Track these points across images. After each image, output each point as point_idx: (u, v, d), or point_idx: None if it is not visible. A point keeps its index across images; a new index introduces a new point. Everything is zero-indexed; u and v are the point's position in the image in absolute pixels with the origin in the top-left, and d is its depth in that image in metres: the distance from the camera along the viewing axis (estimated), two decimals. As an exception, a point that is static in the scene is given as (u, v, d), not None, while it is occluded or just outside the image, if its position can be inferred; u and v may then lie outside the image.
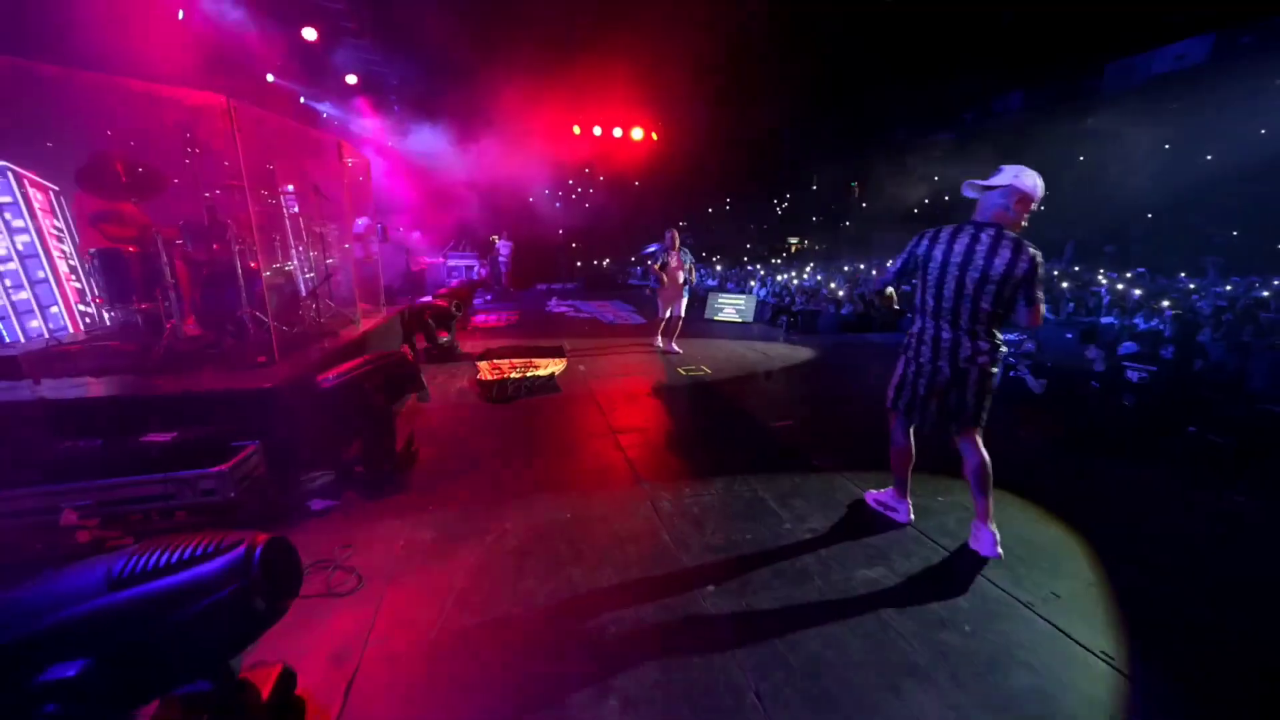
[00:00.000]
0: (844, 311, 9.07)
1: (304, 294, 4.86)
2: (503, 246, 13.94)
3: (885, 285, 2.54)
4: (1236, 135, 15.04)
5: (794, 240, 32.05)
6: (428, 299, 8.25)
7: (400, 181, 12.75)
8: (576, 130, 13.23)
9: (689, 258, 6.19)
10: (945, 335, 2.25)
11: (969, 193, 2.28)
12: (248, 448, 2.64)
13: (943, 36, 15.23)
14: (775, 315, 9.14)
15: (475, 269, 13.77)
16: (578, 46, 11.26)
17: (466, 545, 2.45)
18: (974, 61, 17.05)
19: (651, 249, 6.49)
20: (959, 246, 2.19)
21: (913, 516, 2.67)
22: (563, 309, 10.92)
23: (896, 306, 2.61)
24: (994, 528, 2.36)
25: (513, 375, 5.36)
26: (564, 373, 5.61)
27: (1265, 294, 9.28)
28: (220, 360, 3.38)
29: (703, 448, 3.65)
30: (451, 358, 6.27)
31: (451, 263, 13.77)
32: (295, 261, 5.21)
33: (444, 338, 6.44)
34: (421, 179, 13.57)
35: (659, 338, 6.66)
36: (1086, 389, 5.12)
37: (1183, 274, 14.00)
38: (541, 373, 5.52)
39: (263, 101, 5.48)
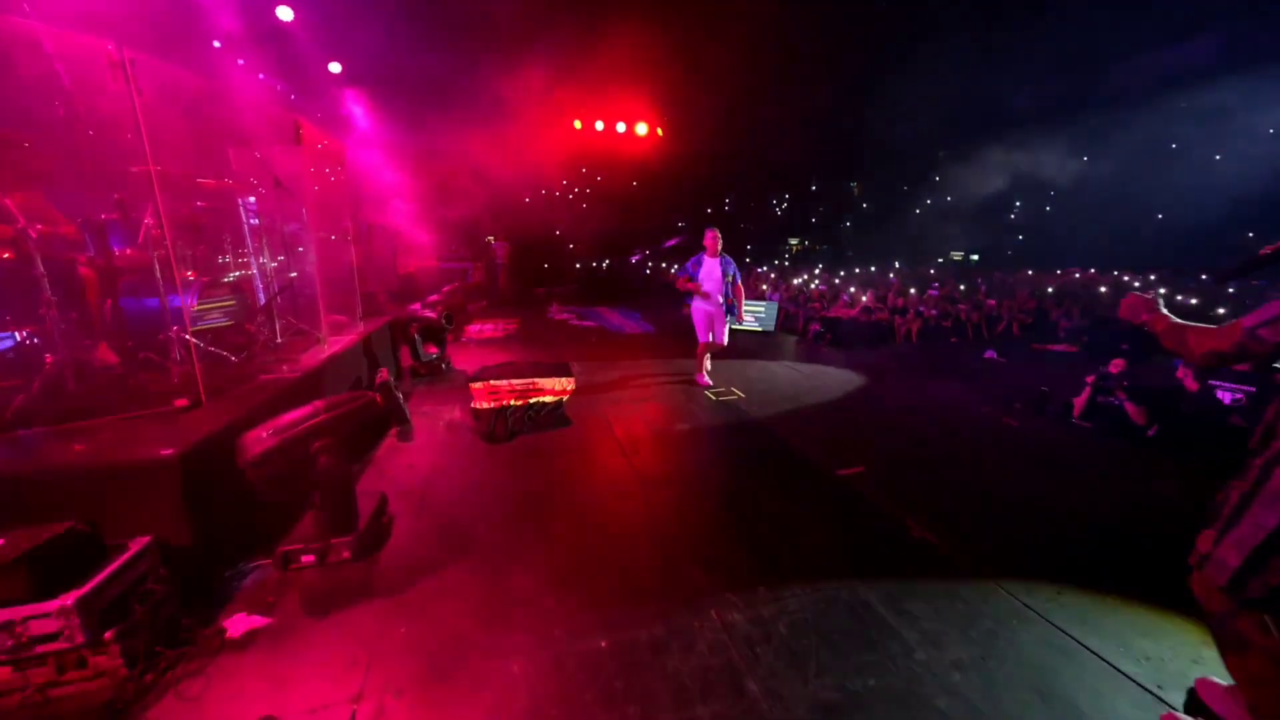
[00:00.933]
0: (857, 321, 8.27)
1: (260, 308, 3.98)
2: (498, 249, 13.08)
3: None
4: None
5: (794, 241, 31.47)
6: (416, 306, 7.38)
7: (388, 177, 11.87)
8: (577, 125, 12.39)
9: (732, 268, 5.02)
10: None
11: None
12: (129, 549, 1.78)
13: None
14: (805, 325, 8.34)
15: (469, 272, 12.89)
16: (579, 34, 10.44)
17: (457, 711, 1.61)
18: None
19: (689, 265, 5.12)
20: None
21: None
22: (564, 316, 10.08)
23: None
24: None
25: (513, 403, 4.51)
26: (573, 397, 4.77)
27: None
28: (127, 403, 2.51)
29: (760, 513, 2.81)
30: (441, 378, 5.41)
31: (443, 266, 12.91)
32: (255, 269, 4.33)
33: (433, 354, 5.58)
34: (412, 176, 12.69)
35: (704, 376, 5.28)
36: (1195, 419, 4.33)
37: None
38: (548, 399, 4.68)
39: (206, 72, 4.60)
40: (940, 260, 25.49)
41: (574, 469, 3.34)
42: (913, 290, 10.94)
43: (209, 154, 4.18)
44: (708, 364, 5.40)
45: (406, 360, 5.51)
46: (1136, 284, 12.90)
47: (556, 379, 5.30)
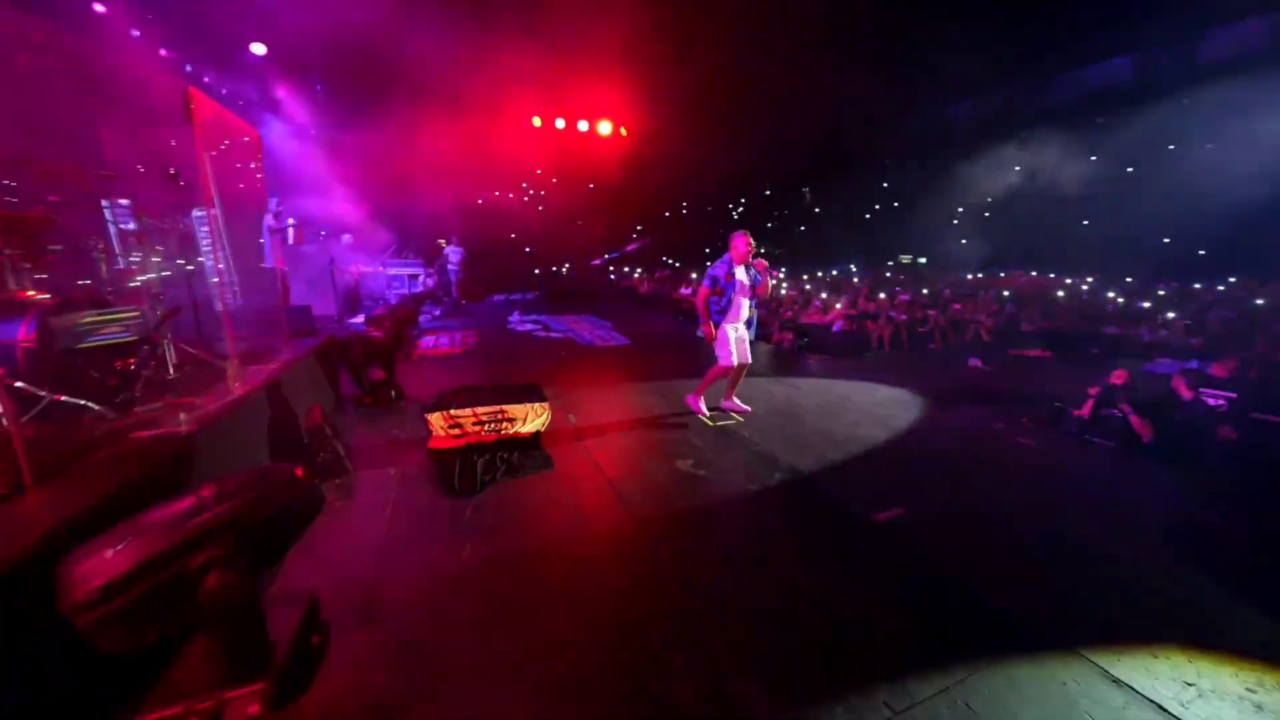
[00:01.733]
0: (835, 328, 8.05)
1: (146, 338, 3.07)
2: (452, 253, 12.11)
3: None
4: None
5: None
6: (359, 321, 6.47)
7: (325, 172, 10.67)
8: (537, 122, 11.66)
9: (758, 276, 4.23)
10: None
11: None
12: None
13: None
14: (780, 332, 8.00)
15: (421, 279, 11.85)
16: (542, 24, 9.74)
17: None
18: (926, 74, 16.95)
19: (717, 270, 4.18)
20: None
21: None
22: (528, 326, 9.31)
23: None
24: None
25: (480, 438, 3.79)
26: (549, 427, 4.11)
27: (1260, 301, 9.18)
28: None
29: (801, 585, 2.28)
30: (391, 408, 4.60)
31: (391, 272, 11.79)
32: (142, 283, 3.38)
33: (380, 379, 4.75)
34: (354, 172, 11.52)
35: (700, 400, 4.51)
36: (1187, 426, 4.20)
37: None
38: (522, 429, 3.99)
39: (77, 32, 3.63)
40: (891, 263, 26.34)
41: (566, 531, 2.69)
42: (882, 295, 10.93)
43: (74, 135, 3.23)
44: (746, 406, 4.73)
45: (348, 388, 4.66)
46: (1084, 286, 13.56)
47: (528, 405, 4.60)
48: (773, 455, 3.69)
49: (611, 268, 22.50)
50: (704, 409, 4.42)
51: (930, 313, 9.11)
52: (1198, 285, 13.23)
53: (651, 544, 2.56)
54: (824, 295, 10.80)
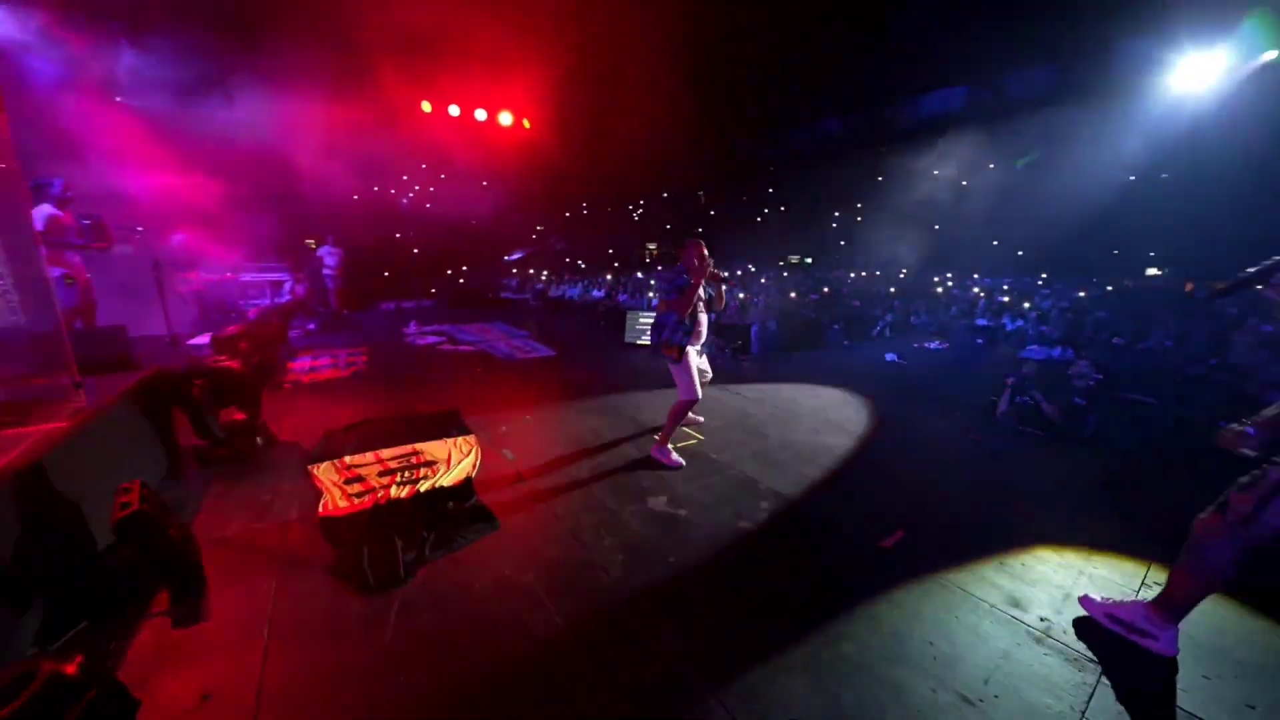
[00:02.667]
0: (772, 327, 8.13)
1: None
2: (328, 255, 10.29)
3: None
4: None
5: (652, 246, 32.37)
6: (202, 343, 5.06)
7: (151, 156, 8.38)
8: (426, 107, 10.31)
9: (711, 291, 3.63)
10: None
11: None
12: None
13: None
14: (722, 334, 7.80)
15: (288, 287, 9.89)
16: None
17: None
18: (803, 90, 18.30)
19: (672, 282, 3.44)
20: None
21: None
22: (430, 339, 8.11)
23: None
24: None
25: (394, 493, 2.91)
26: (482, 469, 3.34)
27: (1081, 293, 11.04)
28: None
29: (854, 659, 1.89)
30: (256, 461, 3.44)
31: (247, 278, 9.71)
32: None
33: (237, 421, 3.56)
34: (197, 158, 9.25)
35: (669, 450, 3.55)
36: (1082, 409, 4.65)
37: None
38: (446, 477, 3.16)
39: None
40: (781, 263, 28.21)
41: (542, 632, 2.00)
42: (793, 294, 11.39)
43: None
44: (700, 417, 4.35)
45: (188, 438, 3.41)
46: (949, 282, 15.35)
47: (450, 442, 3.77)
48: (750, 480, 3.31)
49: (515, 270, 21.21)
50: (676, 458, 3.49)
51: (836, 310, 9.59)
52: (1041, 279, 15.63)
53: (663, 636, 1.99)
54: (741, 295, 10.94)
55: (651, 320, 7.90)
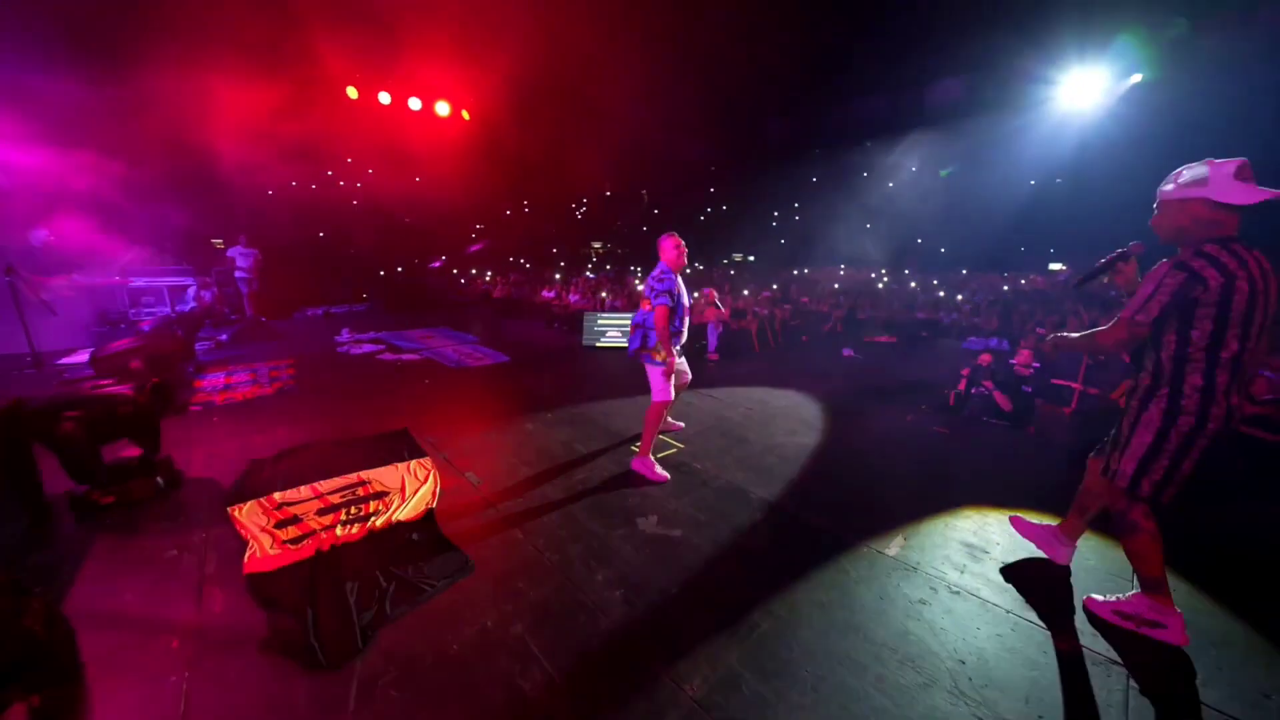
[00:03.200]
0: (712, 329, 8.09)
1: None
2: (240, 256, 9.15)
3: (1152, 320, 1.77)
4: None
5: (597, 245, 32.12)
6: (80, 362, 4.33)
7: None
8: (353, 94, 9.41)
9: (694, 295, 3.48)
10: (1233, 384, 1.75)
11: (1251, 197, 1.62)
12: None
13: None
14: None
15: (192, 292, 8.69)
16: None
17: None
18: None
19: (668, 282, 3.16)
20: (1255, 270, 1.66)
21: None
22: (367, 347, 7.37)
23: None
24: None
25: (341, 536, 2.46)
26: (443, 497, 2.94)
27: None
28: None
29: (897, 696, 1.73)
30: (157, 507, 2.83)
31: (140, 284, 8.44)
32: None
33: (130, 459, 2.92)
34: (75, 146, 7.86)
35: (652, 462, 3.33)
36: (1029, 398, 4.91)
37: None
38: (403, 510, 2.74)
39: None
40: (725, 261, 28.77)
41: (546, 705, 1.70)
42: (745, 292, 11.48)
43: None
44: (679, 423, 4.13)
45: (63, 482, 2.74)
46: (885, 278, 16.17)
47: (403, 467, 3.34)
48: (739, 489, 3.13)
49: (455, 270, 20.13)
50: (661, 471, 3.27)
51: (786, 307, 9.76)
52: (962, 274, 16.75)
53: (684, 689, 1.74)
54: (696, 294, 10.88)
55: (614, 320, 7.66)
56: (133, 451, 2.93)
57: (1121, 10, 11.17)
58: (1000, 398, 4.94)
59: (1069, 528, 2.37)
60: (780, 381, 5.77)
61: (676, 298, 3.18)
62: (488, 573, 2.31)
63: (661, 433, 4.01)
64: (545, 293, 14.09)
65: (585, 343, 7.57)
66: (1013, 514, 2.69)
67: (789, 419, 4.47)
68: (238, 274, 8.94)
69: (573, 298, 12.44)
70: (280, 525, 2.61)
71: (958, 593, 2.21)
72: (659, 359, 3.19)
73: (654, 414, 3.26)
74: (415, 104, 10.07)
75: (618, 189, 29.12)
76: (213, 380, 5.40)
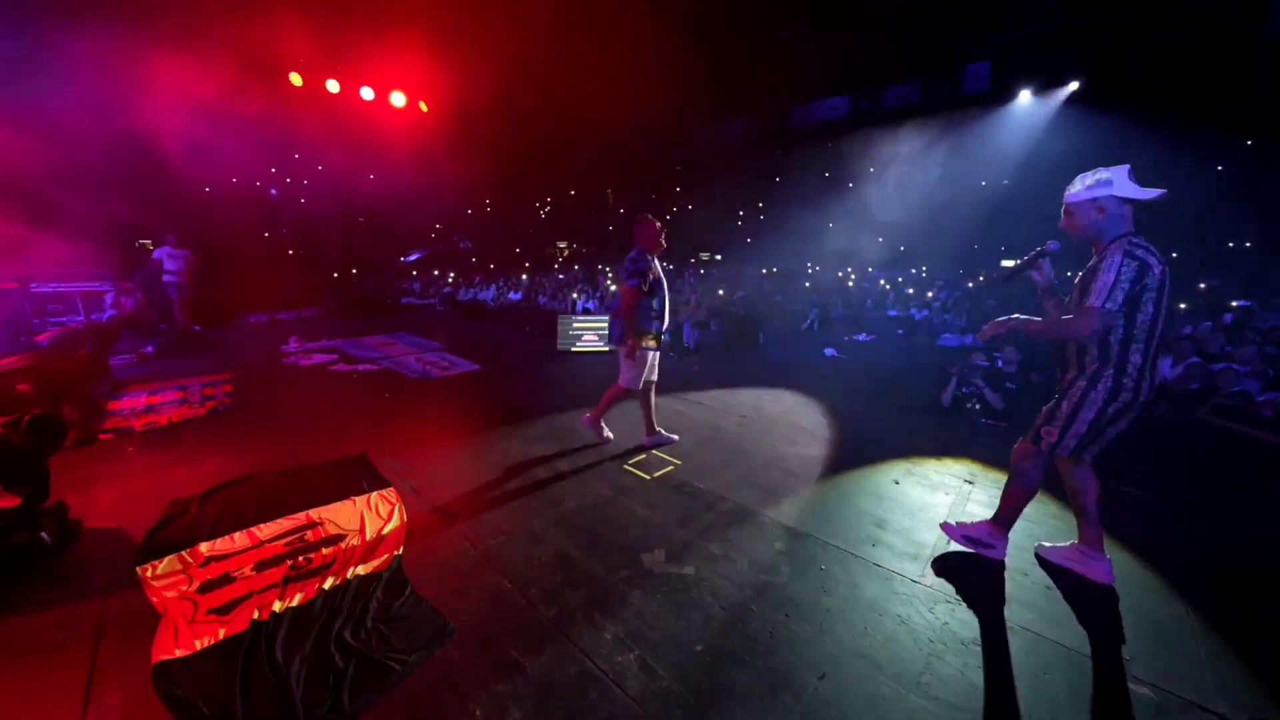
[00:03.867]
0: (714, 327, 7.88)
1: None
2: (168, 259, 8.22)
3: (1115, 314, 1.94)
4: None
5: (562, 244, 31.62)
6: None
7: None
8: (296, 80, 8.62)
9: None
10: (1149, 364, 1.98)
11: (1146, 194, 1.92)
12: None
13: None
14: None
15: (110, 299, 7.72)
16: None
17: None
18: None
19: (640, 263, 3.20)
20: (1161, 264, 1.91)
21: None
22: (318, 358, 6.69)
23: None
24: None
25: (277, 605, 2.00)
26: (411, 537, 2.50)
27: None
28: None
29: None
30: (38, 572, 2.26)
31: (43, 289, 7.44)
32: None
33: (3, 511, 2.33)
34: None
35: (600, 424, 3.70)
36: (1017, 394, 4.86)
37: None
38: (364, 560, 2.29)
39: None
40: (693, 260, 28.76)
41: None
42: (720, 292, 11.32)
43: None
44: (674, 435, 3.87)
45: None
46: (853, 277, 16.37)
47: (360, 501, 2.84)
48: (749, 511, 2.83)
49: (415, 272, 19.19)
50: (606, 432, 3.69)
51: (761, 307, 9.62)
52: (923, 273, 17.14)
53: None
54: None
55: (590, 323, 7.26)
56: (8, 501, 2.34)
57: (1063, 18, 11.71)
58: (991, 396, 4.87)
59: (1088, 538, 2.28)
60: (769, 384, 5.54)
61: (651, 280, 3.15)
62: (472, 637, 1.90)
63: (653, 448, 3.67)
64: (512, 294, 13.52)
65: (560, 347, 7.15)
66: (1038, 544, 2.50)
67: (787, 427, 4.22)
68: (166, 278, 8.01)
69: (541, 300, 11.94)
70: (206, 588, 2.10)
71: (1015, 630, 1.97)
72: (644, 344, 3.25)
73: (615, 393, 3.48)
74: (368, 94, 9.35)
75: (583, 188, 28.68)
76: (132, 400, 4.68)
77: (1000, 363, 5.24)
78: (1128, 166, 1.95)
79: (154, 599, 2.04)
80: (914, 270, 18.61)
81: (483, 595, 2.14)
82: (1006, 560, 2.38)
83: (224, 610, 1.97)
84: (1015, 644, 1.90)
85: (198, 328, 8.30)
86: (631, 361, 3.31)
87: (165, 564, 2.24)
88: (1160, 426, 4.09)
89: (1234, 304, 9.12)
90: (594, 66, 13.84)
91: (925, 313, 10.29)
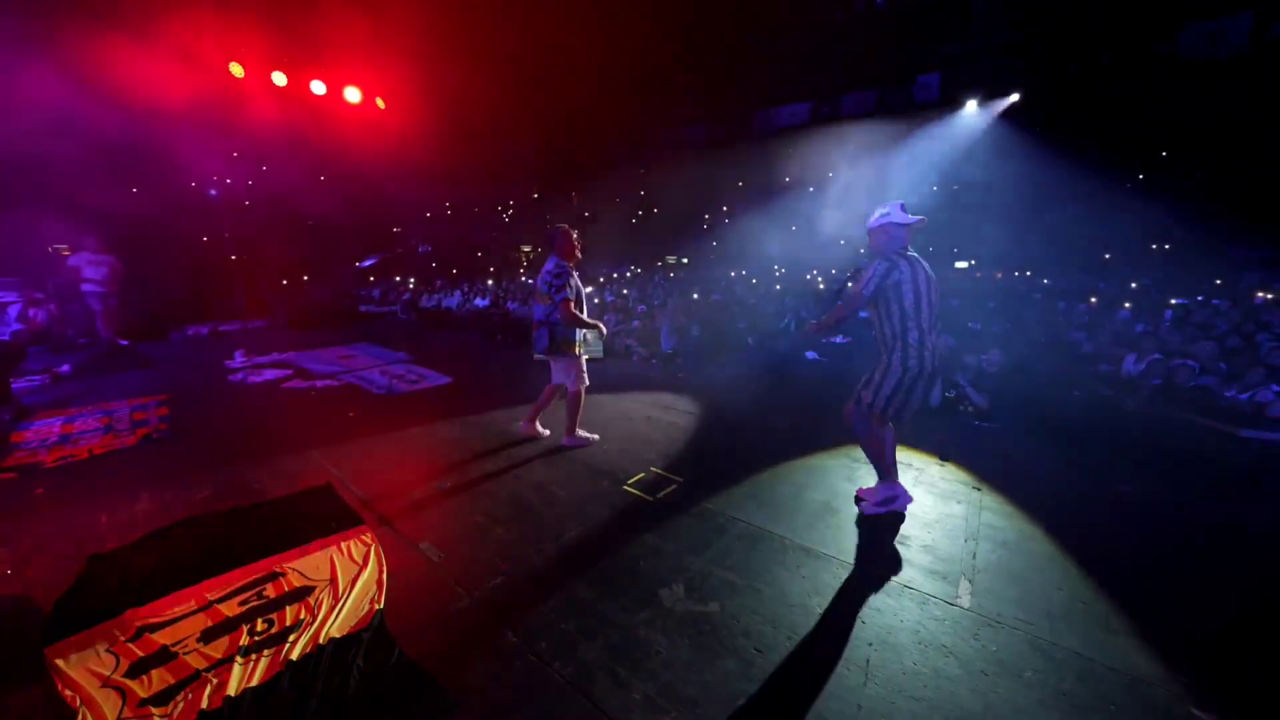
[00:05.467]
0: (695, 333, 7.72)
1: None
2: (89, 267, 7.36)
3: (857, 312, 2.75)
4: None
5: (527, 248, 31.07)
6: None
7: None
8: (237, 71, 7.94)
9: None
10: (930, 341, 2.59)
11: (911, 220, 2.62)
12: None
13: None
14: (631, 340, 7.10)
15: (15, 312, 6.82)
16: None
17: None
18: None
19: (565, 275, 3.44)
20: (918, 265, 2.58)
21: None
22: (269, 374, 6.10)
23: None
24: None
25: (233, 688, 1.65)
26: (392, 586, 2.18)
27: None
28: None
29: None
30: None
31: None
32: None
33: None
34: None
35: (579, 433, 3.81)
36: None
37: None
38: (336, 619, 1.95)
39: None
40: (660, 264, 28.72)
41: None
42: (694, 295, 11.20)
43: None
44: (540, 427, 3.98)
45: None
46: (820, 280, 16.61)
47: (329, 546, 2.51)
48: (767, 534, 2.64)
49: (373, 278, 18.23)
50: (591, 435, 3.84)
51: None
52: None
53: None
54: (643, 306, 10.41)
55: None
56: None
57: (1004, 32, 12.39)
58: (976, 397, 4.90)
59: (890, 477, 2.84)
60: (758, 388, 5.41)
61: (576, 291, 3.39)
62: (477, 710, 1.61)
63: (657, 470, 3.44)
64: (479, 300, 12.99)
65: (536, 354, 6.79)
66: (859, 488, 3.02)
67: (787, 435, 4.08)
68: (86, 287, 7.15)
69: (510, 305, 11.50)
70: (138, 669, 1.72)
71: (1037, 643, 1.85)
72: (576, 351, 3.48)
73: (574, 400, 3.63)
74: (319, 88, 8.73)
75: (546, 190, 28.20)
76: (42, 430, 4.05)
77: (984, 364, 5.30)
78: (901, 202, 2.65)
79: (66, 691, 1.66)
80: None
81: (484, 653, 1.85)
82: (1040, 574, 2.28)
83: (163, 699, 1.61)
84: (1068, 670, 1.78)
85: (126, 343, 7.46)
86: (572, 366, 3.56)
87: (82, 641, 1.85)
88: (1135, 421, 4.22)
89: (1173, 301, 9.78)
90: (558, 67, 13.56)
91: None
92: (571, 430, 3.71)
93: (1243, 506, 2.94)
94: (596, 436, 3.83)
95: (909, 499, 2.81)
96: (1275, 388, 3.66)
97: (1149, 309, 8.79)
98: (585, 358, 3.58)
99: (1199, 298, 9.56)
